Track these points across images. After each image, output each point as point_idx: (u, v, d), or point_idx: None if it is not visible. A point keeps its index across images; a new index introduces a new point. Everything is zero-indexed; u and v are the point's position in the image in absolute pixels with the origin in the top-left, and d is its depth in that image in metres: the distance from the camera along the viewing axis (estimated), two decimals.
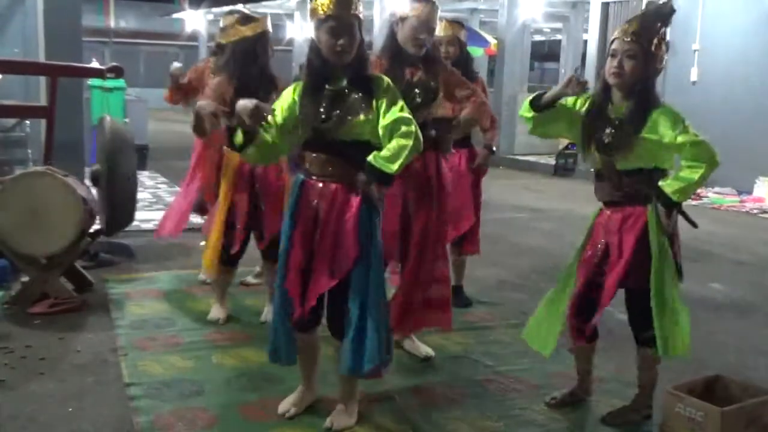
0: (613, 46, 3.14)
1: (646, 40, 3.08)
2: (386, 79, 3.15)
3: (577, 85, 3.08)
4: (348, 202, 3.10)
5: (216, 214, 4.42)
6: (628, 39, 3.08)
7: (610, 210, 3.27)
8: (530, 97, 3.26)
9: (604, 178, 3.26)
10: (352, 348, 3.10)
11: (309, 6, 3.07)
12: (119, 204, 5.13)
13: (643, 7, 3.19)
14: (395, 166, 2.95)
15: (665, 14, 3.13)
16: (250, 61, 4.26)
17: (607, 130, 3.15)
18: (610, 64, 3.13)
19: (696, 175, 3.01)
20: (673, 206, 3.08)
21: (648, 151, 3.11)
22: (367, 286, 3.10)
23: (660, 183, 3.08)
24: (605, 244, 3.26)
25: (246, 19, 4.33)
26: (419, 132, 3.03)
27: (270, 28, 4.38)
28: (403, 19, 3.81)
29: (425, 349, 4.12)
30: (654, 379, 3.36)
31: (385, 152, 2.97)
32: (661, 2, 3.16)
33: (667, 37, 3.17)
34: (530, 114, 3.25)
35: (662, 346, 3.12)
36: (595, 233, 3.33)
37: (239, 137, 3.12)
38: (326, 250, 3.10)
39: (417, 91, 3.77)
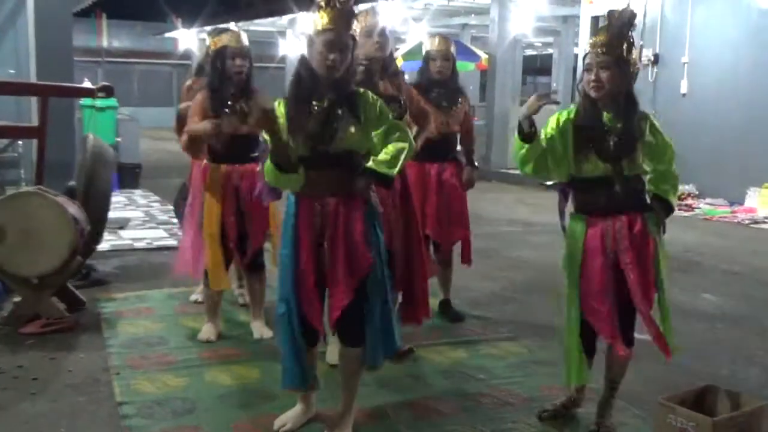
0: (587, 60, 3.20)
1: (617, 49, 3.16)
2: (370, 93, 3.22)
3: (543, 96, 3.14)
4: (351, 214, 3.14)
5: (206, 232, 4.37)
6: (600, 51, 3.15)
7: (608, 219, 3.24)
8: (516, 134, 3.23)
9: (608, 186, 3.22)
10: (382, 338, 3.23)
11: (309, 19, 3.10)
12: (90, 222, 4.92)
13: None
14: (395, 170, 3.15)
15: (628, 19, 3.20)
16: (215, 72, 4.30)
17: (611, 138, 3.19)
18: (588, 78, 3.18)
19: (677, 180, 3.38)
20: (671, 213, 3.33)
21: (647, 155, 3.24)
22: (383, 282, 3.22)
23: (659, 193, 3.29)
24: (613, 254, 3.24)
25: (216, 33, 4.41)
26: (412, 137, 3.26)
27: (230, 43, 4.29)
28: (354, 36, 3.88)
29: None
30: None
31: (383, 156, 3.12)
32: (621, 9, 3.23)
33: (634, 40, 3.25)
34: (524, 149, 3.21)
35: (670, 344, 3.31)
36: (592, 246, 3.27)
37: (274, 165, 3.05)
38: (341, 265, 3.12)
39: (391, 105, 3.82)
